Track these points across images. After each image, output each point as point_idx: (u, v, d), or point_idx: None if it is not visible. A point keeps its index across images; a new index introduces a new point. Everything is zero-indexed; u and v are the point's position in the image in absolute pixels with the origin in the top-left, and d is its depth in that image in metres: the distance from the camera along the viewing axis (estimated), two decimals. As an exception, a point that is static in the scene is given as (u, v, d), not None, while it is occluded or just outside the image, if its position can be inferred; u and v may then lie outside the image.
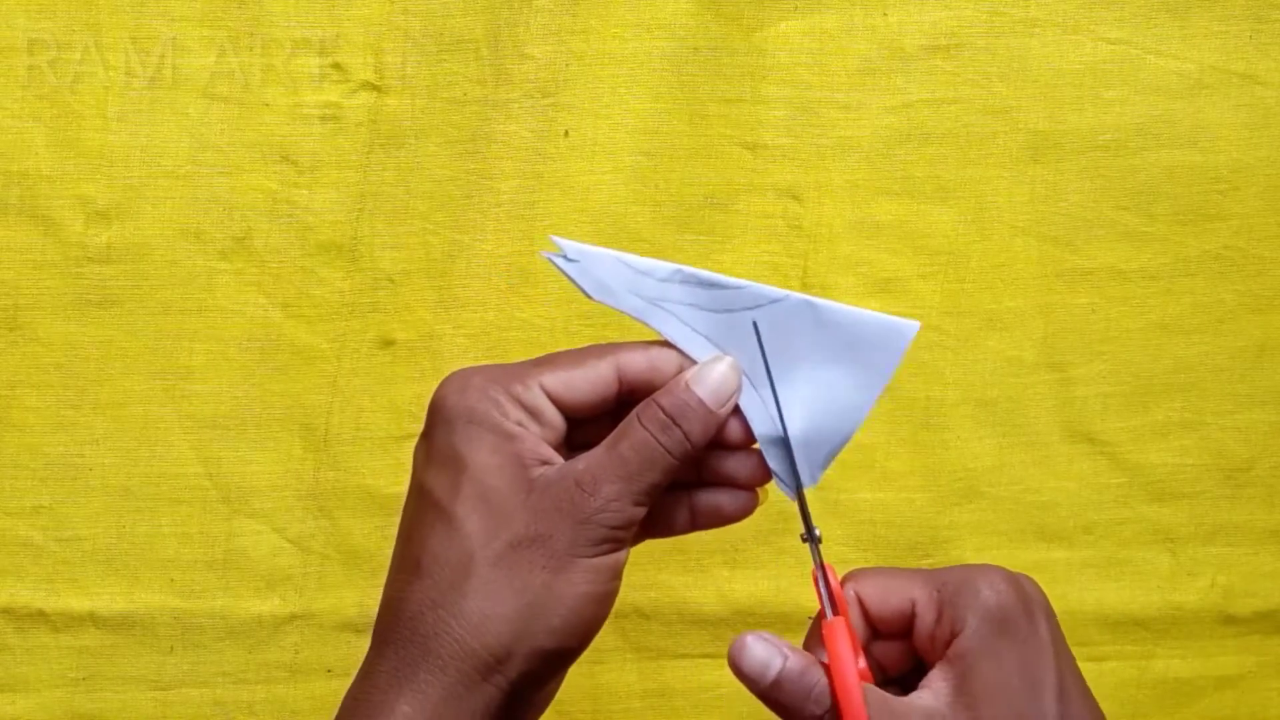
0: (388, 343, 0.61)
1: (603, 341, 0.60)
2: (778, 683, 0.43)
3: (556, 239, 0.45)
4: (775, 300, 0.44)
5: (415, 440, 0.61)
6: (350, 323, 0.61)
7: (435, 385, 0.61)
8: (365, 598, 0.61)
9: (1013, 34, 0.62)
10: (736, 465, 0.46)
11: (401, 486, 0.61)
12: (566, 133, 0.61)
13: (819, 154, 0.62)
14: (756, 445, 0.46)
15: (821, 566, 0.44)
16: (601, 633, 0.61)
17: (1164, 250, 0.63)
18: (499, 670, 0.41)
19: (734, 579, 0.62)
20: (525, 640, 0.41)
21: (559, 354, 0.45)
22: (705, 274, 0.45)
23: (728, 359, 0.44)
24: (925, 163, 0.62)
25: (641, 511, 0.43)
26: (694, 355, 0.45)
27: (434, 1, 0.61)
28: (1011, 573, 0.44)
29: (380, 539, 0.61)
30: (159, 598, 0.61)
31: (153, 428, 0.61)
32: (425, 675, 0.41)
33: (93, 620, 0.60)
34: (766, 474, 0.46)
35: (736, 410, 0.45)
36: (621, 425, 0.43)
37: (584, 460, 0.43)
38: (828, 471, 0.62)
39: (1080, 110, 0.62)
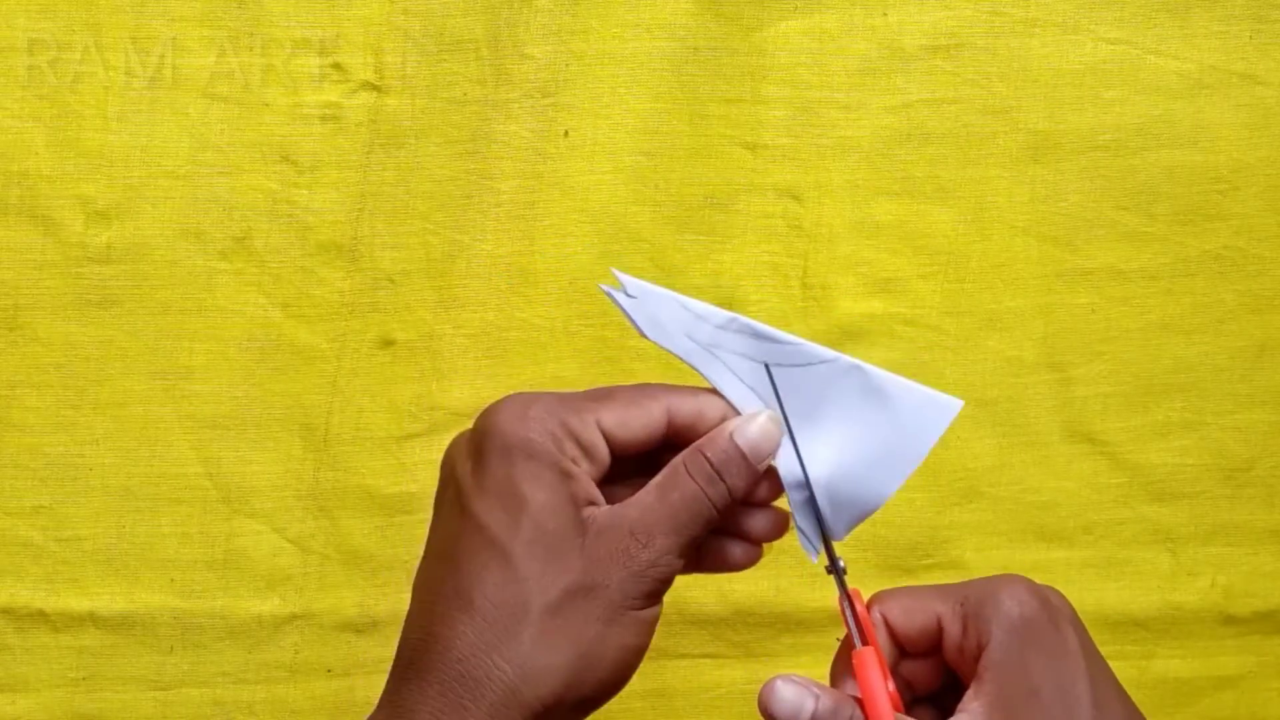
0: (388, 343, 0.61)
1: (607, 350, 0.61)
2: None
3: (618, 273, 0.45)
4: (825, 361, 0.44)
5: (416, 440, 0.61)
6: (350, 323, 0.61)
7: (435, 385, 0.61)
8: (365, 598, 0.61)
9: (1013, 34, 0.62)
10: (754, 522, 0.46)
11: (401, 486, 0.61)
12: (566, 133, 0.61)
13: (819, 154, 0.62)
14: (775, 503, 0.46)
15: (848, 597, 0.44)
16: (601, 633, 0.62)
17: (1164, 250, 0.63)
18: (545, 718, 0.41)
19: (734, 579, 0.62)
20: (573, 691, 0.41)
21: (614, 390, 0.45)
22: (760, 326, 0.45)
23: (767, 412, 0.44)
24: (925, 163, 0.62)
25: (682, 565, 0.43)
26: (738, 405, 0.45)
27: (434, 1, 0.61)
28: (1035, 584, 0.44)
29: (380, 539, 0.61)
30: (159, 598, 0.61)
31: (153, 428, 0.61)
32: None
33: (93, 620, 0.60)
34: (779, 531, 0.46)
35: (769, 471, 0.45)
36: (668, 472, 0.43)
37: (636, 508, 0.43)
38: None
39: (1080, 110, 0.62)
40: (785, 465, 0.45)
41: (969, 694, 0.43)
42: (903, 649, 0.46)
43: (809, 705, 0.42)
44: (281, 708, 0.61)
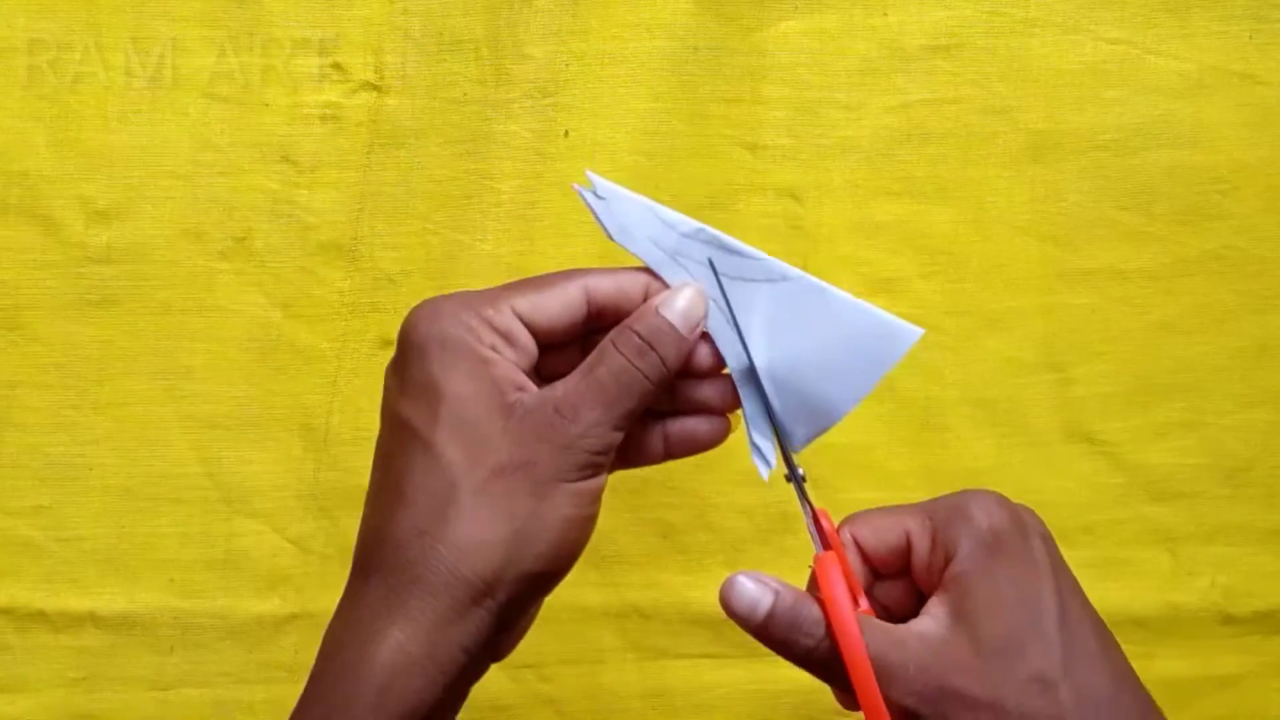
0: (388, 343, 0.61)
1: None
2: (771, 617, 0.42)
3: (591, 174, 0.46)
4: (788, 278, 0.45)
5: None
6: (350, 323, 0.61)
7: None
8: (365, 598, 0.61)
9: (1013, 34, 0.62)
10: (708, 391, 0.46)
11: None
12: (566, 133, 0.61)
13: (819, 154, 0.62)
14: (726, 371, 0.46)
15: (808, 504, 0.45)
16: (601, 632, 0.62)
17: (1164, 250, 0.63)
18: (489, 595, 0.41)
19: (734, 579, 0.62)
20: (513, 565, 0.41)
21: (527, 279, 0.45)
22: (726, 238, 0.45)
23: (694, 285, 0.45)
24: (925, 163, 0.62)
25: (620, 436, 0.43)
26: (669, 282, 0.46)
27: (434, 1, 0.61)
28: (1005, 498, 0.44)
29: (380, 539, 0.61)
30: (159, 598, 0.61)
31: (153, 428, 0.61)
32: (416, 602, 0.41)
33: (93, 620, 0.60)
34: (738, 399, 0.46)
35: (706, 338, 0.45)
36: (596, 352, 0.43)
37: (561, 387, 0.43)
38: (827, 472, 0.62)
39: (1080, 110, 0.62)
40: (738, 373, 0.45)
41: (933, 600, 0.43)
42: (875, 571, 0.46)
43: (767, 600, 0.42)
44: (281, 708, 0.61)
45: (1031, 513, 0.45)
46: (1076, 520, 0.63)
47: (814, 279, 0.45)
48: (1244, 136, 0.63)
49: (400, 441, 0.43)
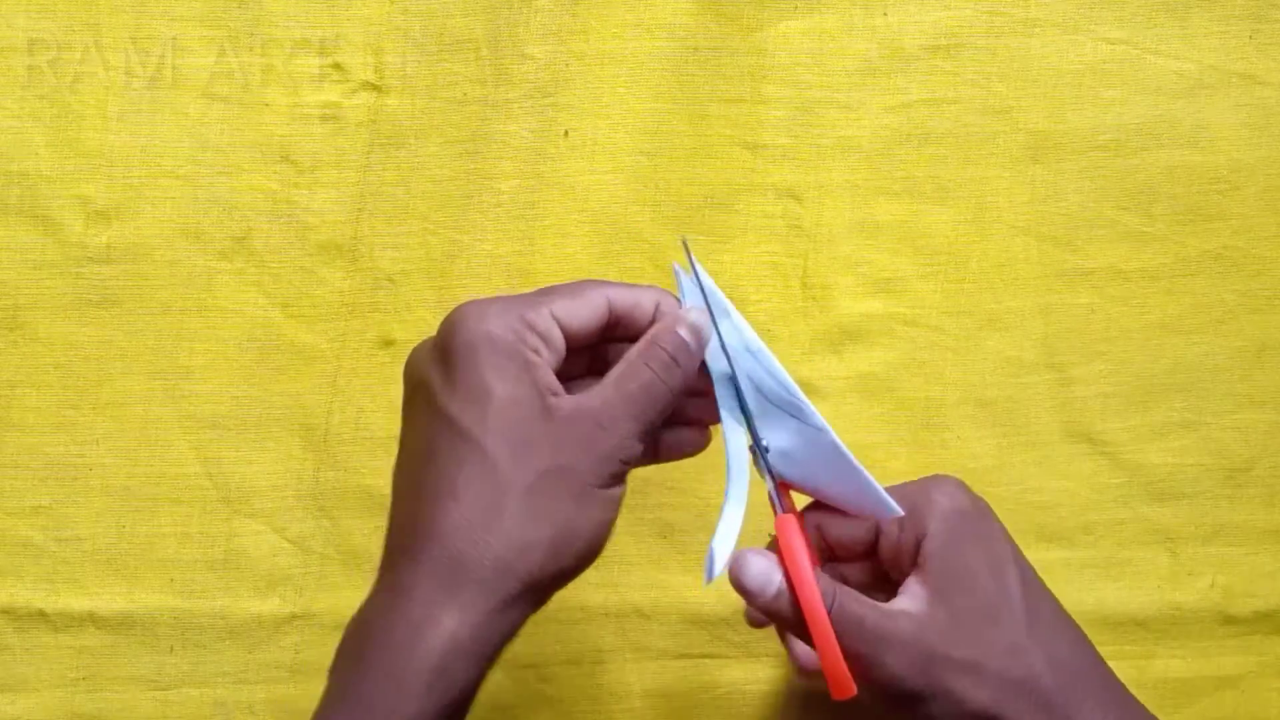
0: (388, 343, 0.61)
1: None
2: (781, 593, 0.47)
3: (695, 264, 0.49)
4: (817, 427, 0.49)
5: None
6: (350, 323, 0.61)
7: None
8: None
9: (1013, 34, 0.62)
10: (699, 407, 0.50)
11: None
12: (566, 133, 0.61)
13: (819, 154, 0.62)
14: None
15: (769, 474, 0.49)
16: (601, 633, 0.62)
17: (1164, 250, 0.63)
18: (533, 589, 0.44)
19: (734, 579, 0.62)
20: (554, 562, 0.45)
21: (557, 286, 0.48)
22: (778, 369, 0.49)
23: (697, 309, 0.49)
24: (925, 163, 0.62)
25: (641, 448, 0.47)
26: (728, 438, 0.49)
27: (434, 1, 0.61)
28: (962, 482, 0.50)
29: (380, 539, 0.61)
30: (159, 598, 0.61)
31: (153, 428, 0.61)
32: (469, 595, 0.43)
33: (93, 620, 0.60)
34: (716, 413, 0.50)
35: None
36: (624, 366, 0.47)
37: (597, 399, 0.46)
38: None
39: (1080, 110, 0.62)
40: (734, 469, 0.49)
41: (911, 577, 0.48)
42: (833, 553, 0.51)
43: (777, 576, 0.47)
44: (281, 708, 0.61)
45: (980, 497, 0.50)
46: (1076, 520, 0.63)
47: (834, 437, 0.48)
48: (1244, 136, 0.63)
49: (449, 439, 0.45)
